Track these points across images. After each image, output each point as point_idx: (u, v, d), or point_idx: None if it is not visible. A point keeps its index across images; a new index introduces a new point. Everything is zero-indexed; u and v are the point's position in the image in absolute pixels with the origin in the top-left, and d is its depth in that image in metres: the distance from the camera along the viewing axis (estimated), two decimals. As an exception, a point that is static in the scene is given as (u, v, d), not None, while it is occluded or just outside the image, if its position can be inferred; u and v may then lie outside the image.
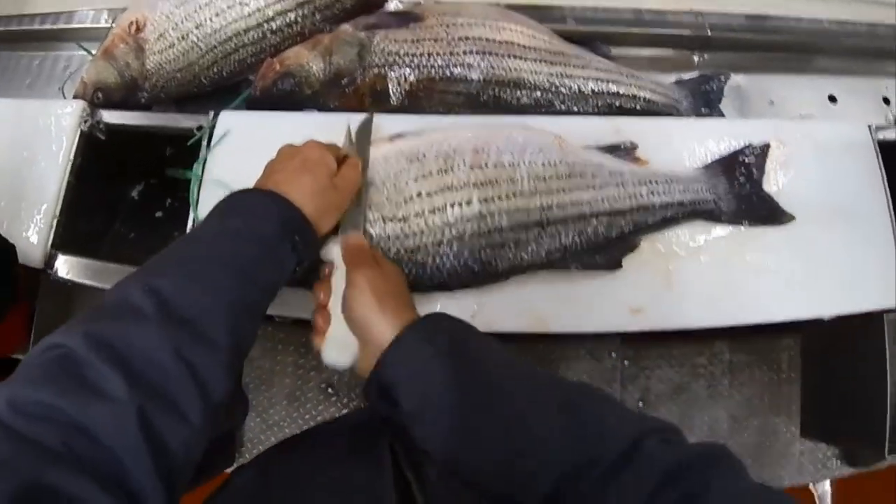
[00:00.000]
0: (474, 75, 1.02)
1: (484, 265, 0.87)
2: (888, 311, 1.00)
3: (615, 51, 1.18)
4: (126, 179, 1.35)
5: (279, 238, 0.62)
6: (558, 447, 0.51)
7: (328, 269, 0.73)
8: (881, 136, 1.06)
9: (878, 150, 1.03)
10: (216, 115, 1.03)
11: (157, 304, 0.50)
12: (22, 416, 0.41)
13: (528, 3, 1.17)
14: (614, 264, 0.92)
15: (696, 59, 1.25)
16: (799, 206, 0.98)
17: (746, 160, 0.99)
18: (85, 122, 1.10)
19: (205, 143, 1.02)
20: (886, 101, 1.30)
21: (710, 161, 1.00)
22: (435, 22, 1.04)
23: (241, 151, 0.99)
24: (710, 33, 1.21)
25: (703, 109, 1.16)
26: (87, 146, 1.11)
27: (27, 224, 1.08)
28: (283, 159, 0.71)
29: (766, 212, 0.98)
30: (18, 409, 0.41)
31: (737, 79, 1.23)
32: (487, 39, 1.03)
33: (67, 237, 1.10)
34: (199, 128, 1.03)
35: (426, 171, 0.87)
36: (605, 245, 0.91)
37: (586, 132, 0.99)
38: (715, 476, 0.46)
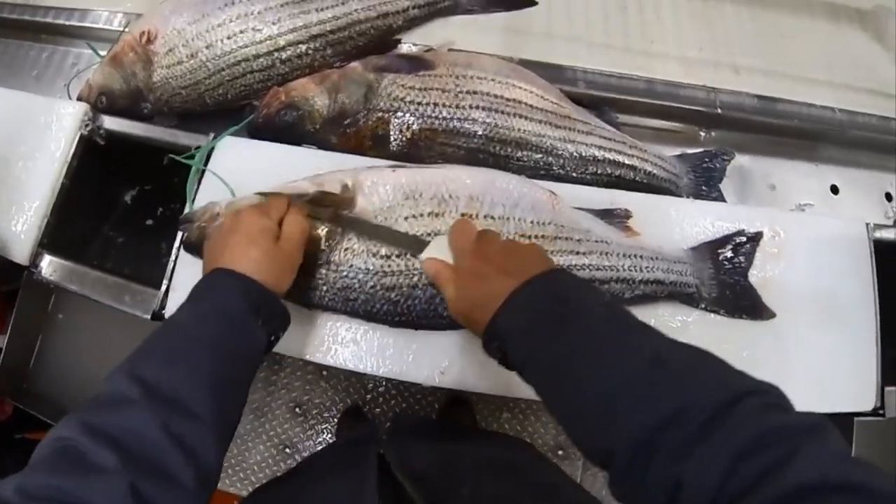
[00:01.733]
0: (478, 130, 1.00)
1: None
2: (859, 415, 0.97)
3: (622, 118, 1.16)
4: (121, 183, 1.34)
5: (246, 312, 0.67)
6: (651, 399, 0.52)
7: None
8: (878, 235, 1.04)
9: (872, 249, 1.01)
10: (216, 138, 1.02)
11: (143, 389, 0.55)
12: (28, 499, 0.46)
13: (541, 60, 1.15)
14: None
15: (702, 135, 1.23)
16: (785, 299, 0.96)
17: (736, 247, 0.97)
18: (86, 125, 1.09)
19: (202, 164, 1.00)
20: (889, 196, 1.27)
21: (699, 243, 0.98)
22: (445, 71, 1.02)
23: (235, 176, 0.98)
24: (720, 111, 1.18)
25: (702, 187, 1.13)
26: (85, 149, 1.10)
27: (17, 218, 1.06)
28: (227, 235, 0.75)
29: (748, 304, 0.95)
30: (25, 493, 0.46)
31: (741, 159, 1.21)
32: (495, 96, 1.01)
33: (55, 237, 1.08)
34: (198, 147, 1.01)
35: (418, 212, 0.86)
36: None
37: (582, 198, 0.97)
38: (808, 443, 0.45)
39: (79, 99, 1.14)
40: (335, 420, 1.87)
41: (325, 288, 0.85)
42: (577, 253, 0.89)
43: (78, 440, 0.50)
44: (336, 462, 0.83)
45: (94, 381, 1.20)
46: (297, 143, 1.02)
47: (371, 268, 0.85)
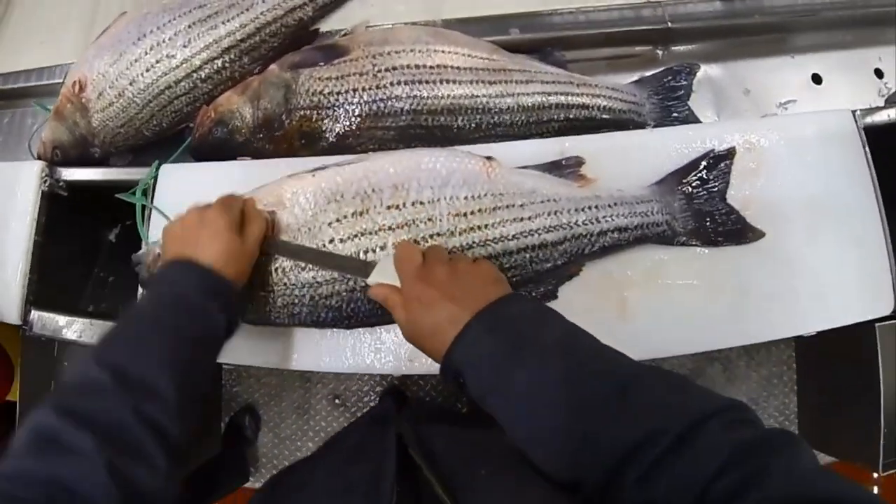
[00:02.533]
0: (404, 106, 0.95)
1: None
2: (880, 321, 0.89)
3: (569, 55, 1.08)
4: (100, 224, 1.35)
5: (201, 298, 0.70)
6: (618, 426, 0.51)
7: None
8: (869, 120, 0.93)
9: (864, 139, 0.91)
10: (157, 168, 1.02)
11: (112, 374, 0.58)
12: (6, 481, 0.49)
13: (465, 17, 1.08)
14: (548, 296, 0.85)
15: (660, 53, 1.13)
16: (773, 215, 0.88)
17: (707, 169, 0.88)
18: (45, 181, 1.11)
19: (150, 192, 1.01)
20: (879, 73, 1.14)
21: (663, 176, 0.89)
22: (361, 54, 0.97)
23: (178, 200, 0.94)
24: (670, 25, 1.08)
25: (669, 110, 1.04)
26: (50, 203, 1.12)
27: (2, 283, 1.09)
28: (193, 228, 0.76)
29: (731, 229, 0.87)
30: (4, 477, 0.49)
31: (707, 70, 1.11)
32: (416, 66, 0.96)
33: (42, 292, 1.10)
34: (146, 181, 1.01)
35: (342, 214, 0.83)
36: (534, 278, 0.84)
37: (527, 154, 0.91)
38: (776, 459, 0.45)
39: (38, 157, 1.16)
40: (375, 403, 1.88)
41: (268, 308, 0.84)
42: (522, 219, 0.83)
43: (54, 425, 0.53)
44: (355, 443, 0.84)
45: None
46: (234, 157, 1.00)
47: (304, 281, 0.83)
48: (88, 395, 0.57)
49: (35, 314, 1.08)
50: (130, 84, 1.05)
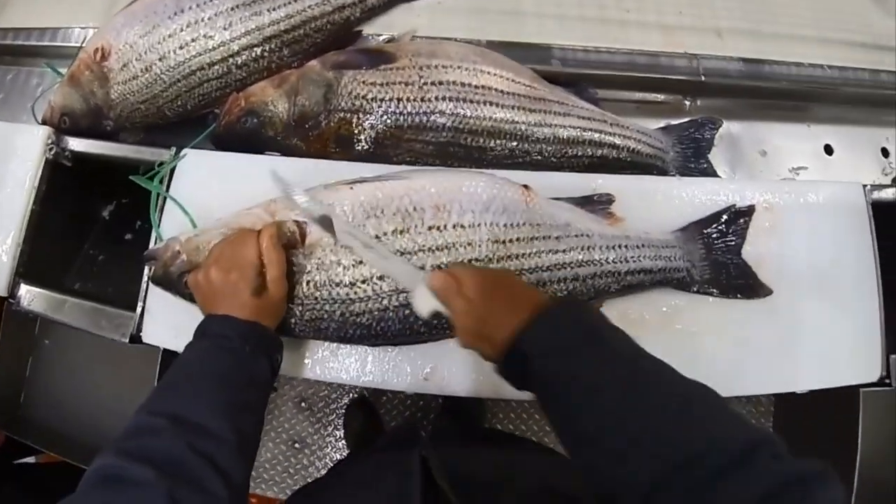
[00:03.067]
0: (446, 123, 0.94)
1: (431, 329, 0.81)
2: (865, 386, 0.92)
3: (602, 93, 1.09)
4: (97, 200, 1.29)
5: (245, 349, 0.72)
6: (670, 440, 0.51)
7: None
8: (876, 196, 0.97)
9: (871, 213, 0.95)
10: (178, 152, 0.97)
11: (167, 420, 0.60)
12: None
13: (510, 40, 1.07)
14: None
15: (687, 104, 1.15)
16: (782, 274, 0.90)
17: (727, 223, 0.90)
18: (50, 149, 1.05)
19: (166, 178, 0.96)
20: (885, 152, 1.19)
21: (688, 223, 0.91)
22: (408, 63, 0.95)
23: (199, 188, 0.94)
24: (703, 78, 1.10)
25: (690, 159, 1.06)
26: (52, 172, 1.06)
27: (-8, 251, 1.02)
28: (215, 286, 0.76)
29: (743, 283, 0.89)
30: None
31: (729, 126, 1.14)
32: (462, 84, 0.95)
33: (32, 265, 1.04)
34: (161, 164, 0.96)
35: (382, 231, 0.81)
36: None
37: (560, 185, 0.91)
38: (818, 495, 0.46)
39: (42, 121, 1.09)
40: (342, 411, 1.85)
41: (293, 321, 0.82)
42: (557, 252, 0.83)
43: (115, 464, 0.54)
44: (379, 466, 0.82)
45: (86, 402, 1.18)
46: (261, 151, 0.97)
47: (337, 297, 0.80)
48: (145, 436, 0.59)
49: (24, 289, 1.02)
50: (160, 59, 1.00)
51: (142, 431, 0.60)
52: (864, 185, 0.95)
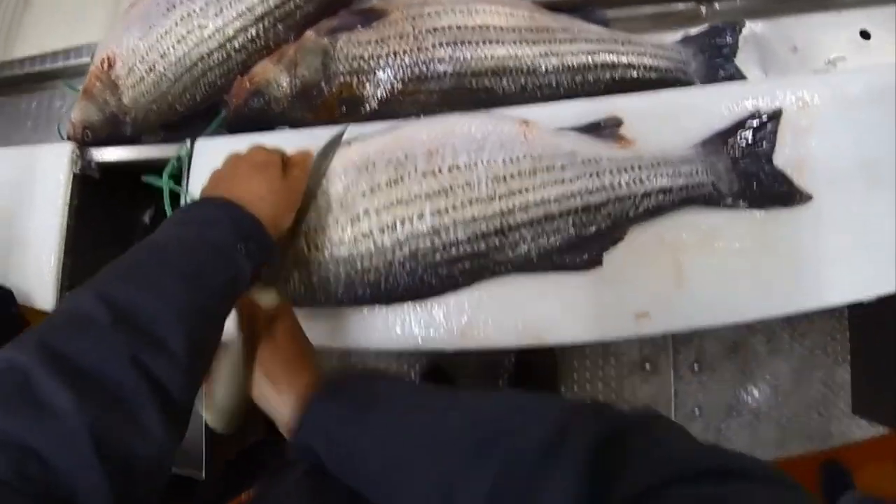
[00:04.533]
0: (447, 69, 0.90)
1: (442, 279, 0.80)
2: None
3: (611, 13, 1.03)
4: (136, 204, 1.32)
5: (231, 244, 0.61)
6: (478, 474, 0.44)
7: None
8: None
9: None
10: (192, 143, 0.98)
11: (111, 312, 0.47)
12: None
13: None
14: (593, 263, 0.81)
15: (703, 10, 1.07)
16: (828, 176, 0.83)
17: (752, 130, 0.84)
18: (76, 163, 1.08)
19: (185, 171, 0.98)
20: (930, 25, 1.08)
21: (708, 136, 0.85)
22: (400, 16, 0.92)
23: None
24: (716, -22, 1.03)
25: (716, 68, 0.99)
26: (82, 187, 1.08)
27: (35, 269, 1.07)
28: (231, 166, 0.71)
29: (777, 192, 0.83)
30: None
31: (752, 27, 1.06)
32: (458, 27, 0.91)
33: (78, 276, 1.07)
34: (179, 158, 0.98)
35: (375, 184, 0.80)
36: (578, 244, 0.81)
37: (565, 116, 0.86)
38: (636, 444, 0.41)
39: (68, 138, 1.12)
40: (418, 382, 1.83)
41: (302, 288, 0.81)
42: (563, 181, 0.79)
43: (33, 369, 0.42)
44: None
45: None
46: (273, 128, 0.97)
47: (340, 256, 0.80)
48: (79, 333, 0.46)
49: None
50: (161, 57, 1.01)
51: (78, 322, 0.47)
52: None
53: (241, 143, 0.93)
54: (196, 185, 0.95)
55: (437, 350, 0.85)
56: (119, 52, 1.04)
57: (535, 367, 1.75)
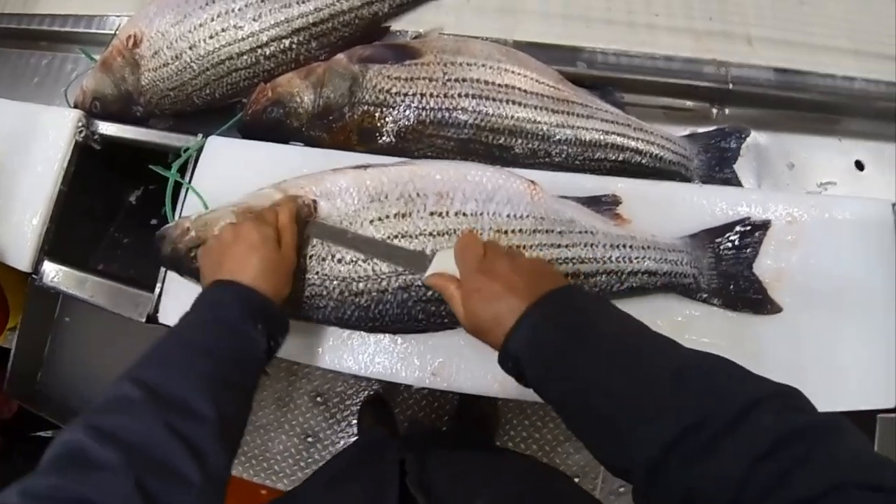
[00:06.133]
0: (468, 120, 0.95)
1: (429, 316, 0.83)
2: (882, 412, 0.89)
3: (628, 97, 1.09)
4: (125, 184, 1.34)
5: (242, 319, 0.69)
6: (669, 410, 0.52)
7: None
8: None
9: None
10: (204, 138, 1.00)
11: (145, 392, 0.56)
12: (31, 499, 0.46)
13: (537, 41, 1.08)
14: None
15: (714, 112, 1.14)
16: (803, 291, 0.89)
17: (740, 235, 0.90)
18: (80, 132, 1.09)
19: (190, 165, 1.00)
20: (920, 170, 1.17)
21: (698, 231, 0.90)
22: (433, 59, 0.96)
23: (223, 175, 0.97)
24: (731, 86, 1.10)
25: (715, 169, 1.06)
26: (82, 155, 1.10)
27: (18, 227, 1.07)
28: (228, 246, 0.76)
29: (751, 298, 0.88)
30: (28, 494, 0.46)
31: (757, 137, 1.13)
32: (486, 82, 0.96)
33: (57, 243, 1.09)
34: (187, 149, 1.00)
35: (384, 214, 0.83)
36: None
37: (569, 186, 0.91)
38: (819, 447, 0.45)
39: (74, 105, 1.14)
40: (357, 408, 1.87)
41: (293, 297, 0.82)
42: (559, 246, 0.84)
43: (82, 441, 0.50)
44: (354, 468, 0.83)
45: (102, 381, 1.21)
46: (286, 141, 0.99)
47: (338, 274, 0.83)
48: (118, 411, 0.56)
49: (47, 265, 1.06)
50: (190, 48, 1.04)
51: (117, 404, 0.57)
52: (894, 204, 0.93)
53: (251, 148, 0.98)
54: (200, 181, 0.97)
55: (405, 383, 0.87)
56: (148, 32, 1.06)
57: (477, 415, 1.80)
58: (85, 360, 1.22)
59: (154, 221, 1.29)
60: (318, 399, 1.89)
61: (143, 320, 0.98)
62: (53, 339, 1.23)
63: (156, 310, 0.97)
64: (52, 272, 1.06)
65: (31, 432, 1.30)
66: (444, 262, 0.75)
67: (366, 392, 1.87)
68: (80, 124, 1.08)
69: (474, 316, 0.68)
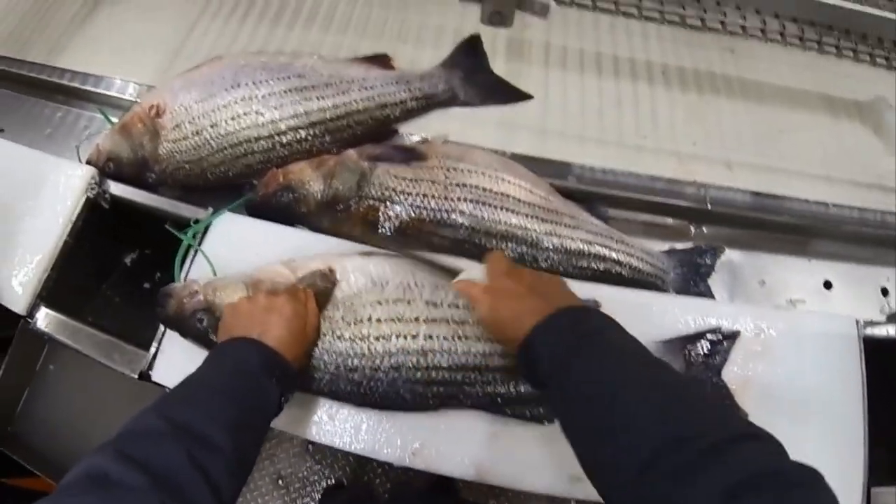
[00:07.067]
0: (465, 222, 1.11)
1: (415, 396, 0.97)
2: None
3: (613, 212, 1.27)
4: (122, 245, 1.47)
5: (262, 373, 0.81)
6: (659, 424, 0.60)
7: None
8: (870, 332, 1.09)
9: (861, 347, 1.06)
10: (215, 213, 1.14)
11: (170, 425, 0.66)
12: None
13: (533, 155, 1.27)
14: (545, 419, 0.99)
15: (692, 229, 1.32)
16: (768, 399, 1.02)
17: (710, 343, 1.04)
18: (92, 189, 1.22)
19: (199, 235, 1.13)
20: (885, 291, 1.33)
21: (670, 338, 1.05)
22: (436, 164, 1.13)
23: (229, 248, 1.11)
24: (710, 207, 1.28)
25: (690, 283, 1.22)
26: (89, 211, 1.22)
27: (18, 270, 1.18)
28: (261, 312, 0.90)
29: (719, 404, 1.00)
30: None
31: (731, 254, 1.29)
32: (484, 189, 1.12)
33: (54, 291, 1.19)
34: (196, 221, 1.13)
35: (384, 297, 0.98)
36: (539, 399, 0.99)
37: None
38: (795, 492, 0.51)
39: (87, 162, 1.27)
40: (318, 495, 1.94)
41: None
42: None
43: (109, 466, 0.59)
44: None
45: (78, 431, 1.31)
46: (291, 224, 1.14)
47: (336, 349, 0.97)
48: (145, 440, 0.65)
49: (43, 311, 1.17)
50: (212, 126, 1.19)
51: (144, 434, 0.66)
52: (858, 320, 1.07)
53: (260, 227, 1.12)
54: (207, 250, 1.11)
55: (387, 462, 0.99)
56: (172, 104, 1.22)
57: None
58: (64, 410, 1.31)
59: (147, 285, 1.42)
60: (280, 482, 1.96)
61: (136, 376, 1.07)
62: (34, 384, 1.33)
63: (149, 367, 1.07)
64: (47, 319, 1.16)
65: (3, 474, 1.38)
66: (473, 274, 0.91)
67: (327, 480, 1.96)
68: (93, 181, 1.21)
69: (496, 312, 0.82)
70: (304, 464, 1.97)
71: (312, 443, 1.99)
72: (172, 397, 0.75)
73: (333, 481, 1.96)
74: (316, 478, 1.97)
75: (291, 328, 0.88)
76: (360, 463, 1.97)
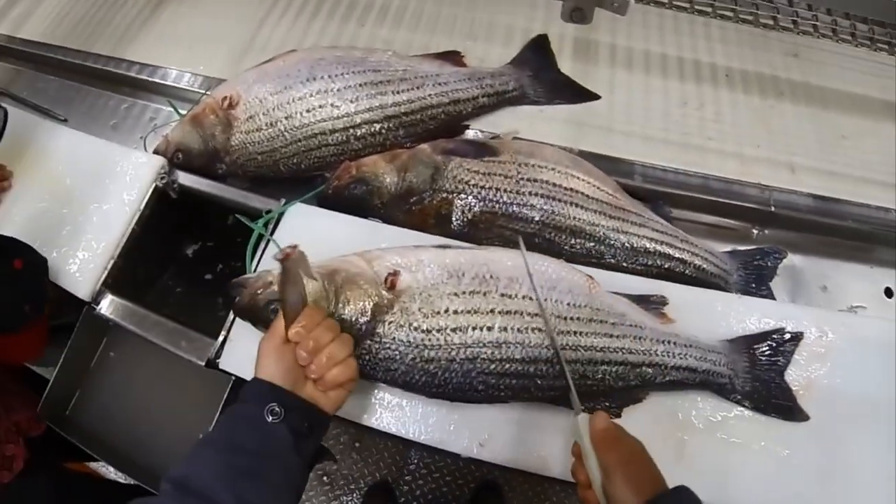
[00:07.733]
0: (535, 216, 1.19)
1: (488, 388, 1.04)
2: None
3: (676, 212, 1.34)
4: (185, 236, 1.57)
5: (258, 410, 0.84)
6: None
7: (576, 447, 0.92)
8: None
9: None
10: (287, 203, 1.23)
11: (172, 486, 0.75)
12: None
13: (600, 152, 1.35)
14: (613, 413, 1.06)
15: (755, 232, 1.39)
16: (830, 402, 1.08)
17: (775, 344, 1.11)
18: (161, 178, 1.32)
19: (271, 225, 1.22)
20: (946, 304, 1.38)
21: (735, 337, 1.12)
22: (508, 159, 1.22)
23: (301, 239, 1.12)
24: (773, 209, 1.35)
25: (752, 285, 1.29)
26: (157, 201, 1.32)
27: (84, 256, 1.28)
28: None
29: (780, 404, 1.08)
30: None
31: (793, 259, 1.36)
32: (554, 184, 1.21)
33: (118, 279, 1.29)
34: (268, 211, 1.23)
35: (460, 290, 1.05)
36: (607, 392, 1.06)
37: (624, 284, 1.14)
38: None
39: (155, 152, 1.37)
40: (362, 493, 2.03)
41: (367, 357, 1.03)
42: (612, 336, 1.05)
43: None
44: None
45: (134, 420, 1.38)
46: (364, 216, 1.22)
47: (412, 341, 1.03)
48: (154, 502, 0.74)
49: (108, 297, 1.26)
50: (286, 118, 1.28)
51: (159, 497, 0.75)
52: None
53: (332, 218, 1.21)
54: (280, 239, 1.19)
55: (454, 454, 1.06)
56: (245, 96, 1.31)
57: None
58: (121, 396, 1.39)
59: (208, 276, 1.51)
60: (325, 479, 2.04)
61: (203, 364, 1.15)
62: (94, 370, 1.42)
63: (217, 356, 1.15)
64: (112, 305, 1.25)
65: (57, 456, 1.46)
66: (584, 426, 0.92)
67: (372, 477, 2.04)
68: (162, 171, 1.31)
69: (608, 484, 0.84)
70: (349, 461, 2.04)
71: (360, 440, 2.06)
72: (183, 456, 0.82)
73: (379, 477, 2.04)
74: (359, 475, 2.04)
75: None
76: (406, 462, 2.04)
